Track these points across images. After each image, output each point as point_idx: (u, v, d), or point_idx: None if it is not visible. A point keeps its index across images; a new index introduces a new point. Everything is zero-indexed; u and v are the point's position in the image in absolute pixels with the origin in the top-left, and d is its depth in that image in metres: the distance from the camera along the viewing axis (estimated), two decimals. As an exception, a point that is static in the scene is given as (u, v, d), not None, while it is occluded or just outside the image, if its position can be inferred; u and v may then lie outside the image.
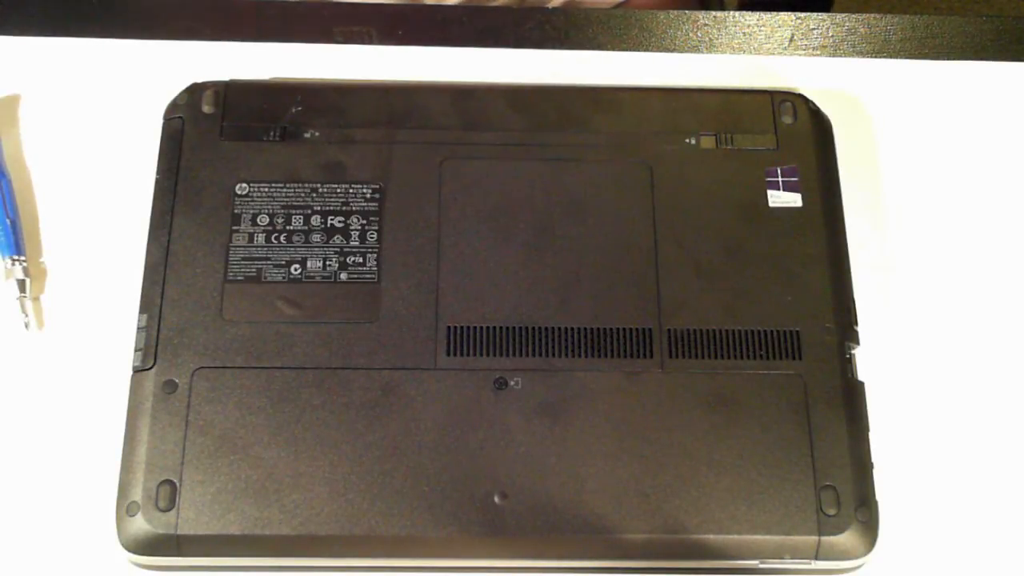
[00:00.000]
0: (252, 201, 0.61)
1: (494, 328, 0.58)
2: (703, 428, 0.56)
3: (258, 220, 0.60)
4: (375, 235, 0.60)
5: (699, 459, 0.56)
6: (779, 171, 0.62)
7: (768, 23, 0.71)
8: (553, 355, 0.58)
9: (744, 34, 0.70)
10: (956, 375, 0.61)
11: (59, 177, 0.64)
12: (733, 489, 0.55)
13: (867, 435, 0.57)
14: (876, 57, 0.69)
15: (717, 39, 0.70)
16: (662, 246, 0.60)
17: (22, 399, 0.59)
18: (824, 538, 0.54)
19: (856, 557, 0.55)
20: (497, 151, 0.62)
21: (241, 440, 0.55)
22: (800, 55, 0.69)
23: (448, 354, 0.57)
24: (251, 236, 0.60)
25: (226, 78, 0.64)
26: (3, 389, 0.59)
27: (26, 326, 0.60)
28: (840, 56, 0.69)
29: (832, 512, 0.55)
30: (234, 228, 0.60)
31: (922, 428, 0.60)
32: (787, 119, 0.64)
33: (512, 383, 0.57)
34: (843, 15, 0.71)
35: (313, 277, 0.59)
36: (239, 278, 0.59)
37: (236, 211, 0.60)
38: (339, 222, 0.60)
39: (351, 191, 0.61)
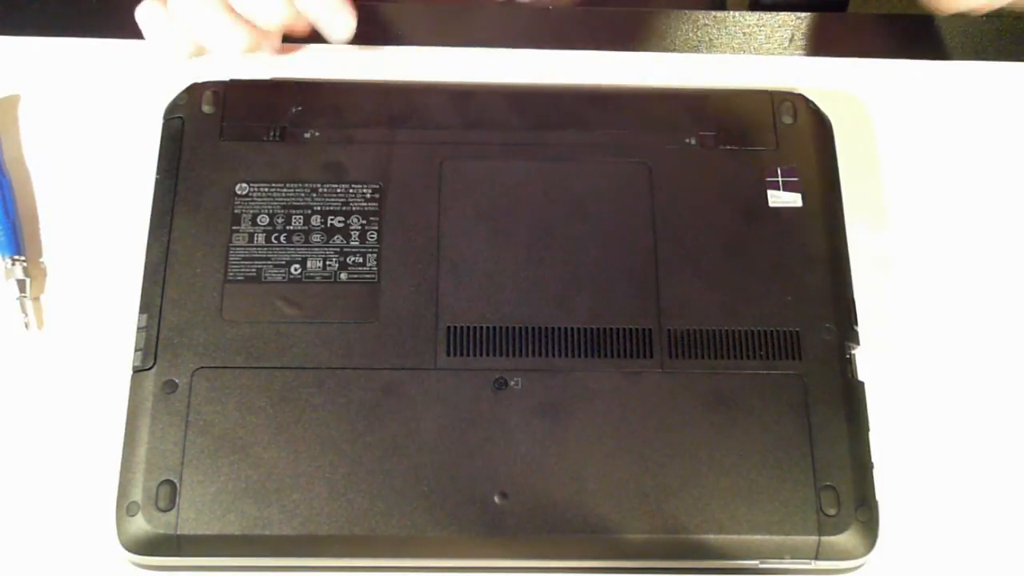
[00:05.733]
0: (252, 201, 0.61)
1: (494, 328, 0.58)
2: (703, 428, 0.56)
3: (258, 220, 0.60)
4: (375, 235, 0.60)
5: (699, 459, 0.56)
6: (779, 171, 0.62)
7: (768, 23, 0.71)
8: (553, 355, 0.57)
9: (744, 34, 0.70)
10: (956, 375, 0.61)
11: (59, 177, 0.64)
12: (733, 489, 0.55)
13: (867, 435, 0.57)
14: (876, 57, 0.69)
15: (717, 39, 0.70)
16: (662, 246, 0.60)
17: (22, 399, 0.59)
18: (824, 538, 0.54)
19: (856, 557, 0.55)
20: (497, 151, 0.62)
21: (241, 440, 0.55)
22: (800, 55, 0.69)
23: (448, 354, 0.57)
24: (251, 236, 0.60)
25: (226, 78, 0.64)
26: (3, 389, 0.59)
27: (26, 326, 0.60)
28: (840, 56, 0.69)
29: (832, 512, 0.55)
30: (234, 228, 0.60)
31: (922, 428, 0.60)
32: (787, 119, 0.64)
33: (512, 383, 0.57)
34: (843, 15, 0.71)
35: (313, 277, 0.59)
36: (239, 278, 0.59)
37: (236, 211, 0.60)
38: (339, 222, 0.60)
39: (351, 191, 0.61)
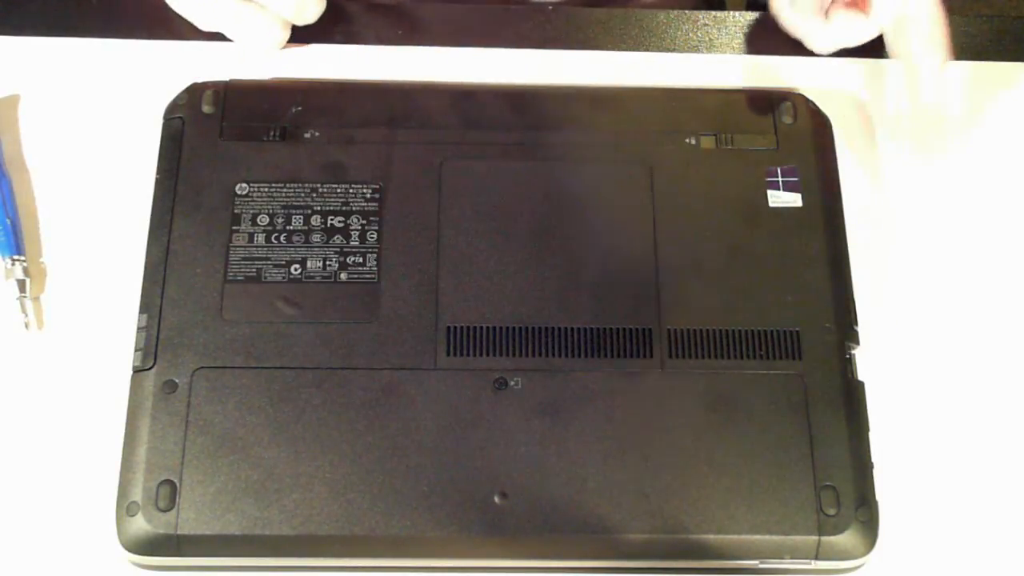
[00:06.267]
0: (252, 201, 0.61)
1: (494, 328, 0.58)
2: (703, 428, 0.56)
3: (258, 220, 0.60)
4: (375, 235, 0.60)
5: (699, 459, 0.56)
6: (779, 171, 0.62)
7: (768, 23, 0.71)
8: (553, 355, 0.57)
9: (744, 34, 0.70)
10: (956, 375, 0.61)
11: (59, 177, 0.64)
12: (733, 489, 0.55)
13: (867, 435, 0.57)
14: (876, 57, 0.69)
15: (717, 39, 0.70)
16: (662, 246, 0.60)
17: (22, 399, 0.59)
18: (824, 538, 0.54)
19: (856, 557, 0.55)
20: (497, 151, 0.62)
21: (241, 440, 0.55)
22: (800, 55, 0.69)
23: (448, 354, 0.57)
24: (251, 236, 0.60)
25: (226, 78, 0.64)
26: (3, 389, 0.59)
27: (26, 326, 0.60)
28: (840, 56, 0.69)
29: (832, 512, 0.55)
30: (234, 228, 0.60)
31: (922, 428, 0.60)
32: (787, 119, 0.64)
33: (512, 383, 0.57)
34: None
35: (313, 277, 0.59)
36: (239, 278, 0.59)
37: (236, 211, 0.60)
38: (339, 222, 0.60)
39: (351, 191, 0.61)
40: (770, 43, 0.69)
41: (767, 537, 0.54)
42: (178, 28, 0.67)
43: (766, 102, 0.64)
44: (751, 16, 0.71)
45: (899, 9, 0.63)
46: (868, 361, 0.60)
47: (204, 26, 0.66)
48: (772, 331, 0.58)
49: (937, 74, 0.63)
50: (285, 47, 0.67)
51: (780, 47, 0.69)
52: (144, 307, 0.58)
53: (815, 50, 0.68)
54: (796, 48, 0.69)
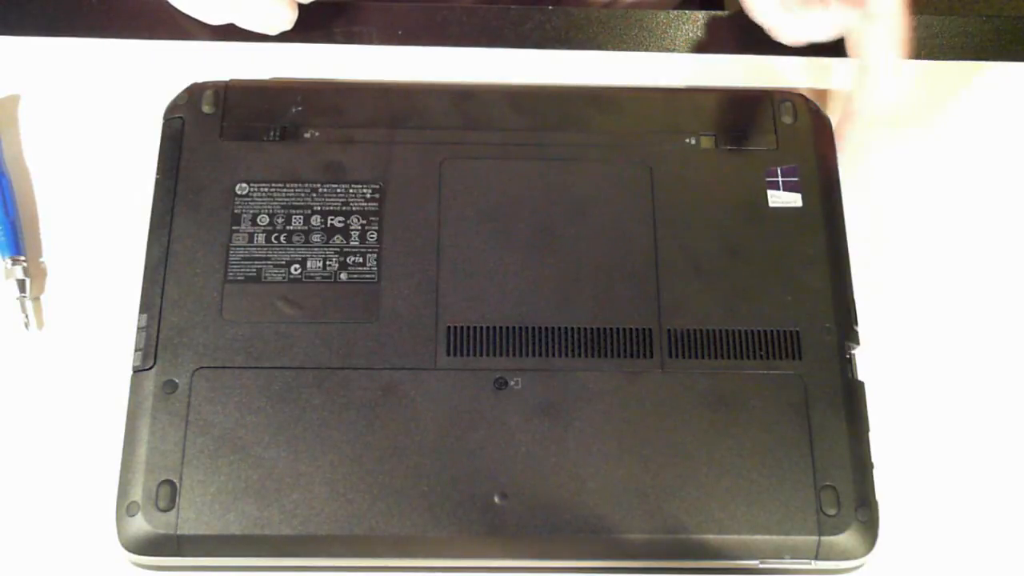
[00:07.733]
0: (252, 201, 0.61)
1: (494, 328, 0.58)
2: (703, 428, 0.56)
3: (258, 220, 0.60)
4: (375, 235, 0.60)
5: (699, 459, 0.56)
6: (779, 171, 0.62)
7: (768, 23, 0.70)
8: (553, 355, 0.58)
9: (744, 34, 0.70)
10: (956, 375, 0.61)
11: (59, 177, 0.64)
12: (733, 489, 0.55)
13: (867, 435, 0.57)
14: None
15: (717, 39, 0.70)
16: (662, 246, 0.60)
17: (22, 399, 0.59)
18: (824, 538, 0.54)
19: (856, 557, 0.55)
20: (497, 151, 0.62)
21: (241, 440, 0.55)
22: (800, 55, 0.69)
23: (448, 354, 0.57)
24: (251, 236, 0.60)
25: (226, 78, 0.64)
26: (3, 389, 0.59)
27: (26, 326, 0.60)
28: (840, 56, 0.69)
29: (832, 512, 0.55)
30: (234, 228, 0.60)
31: (922, 428, 0.60)
32: (787, 119, 0.64)
33: (512, 383, 0.57)
34: (843, 15, 0.71)
35: (313, 277, 0.59)
36: (239, 278, 0.59)
37: (236, 211, 0.60)
38: (339, 222, 0.60)
39: (351, 191, 0.61)
40: (770, 43, 0.69)
41: (767, 537, 0.54)
42: (178, 28, 0.67)
43: (766, 102, 0.64)
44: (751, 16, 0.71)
45: (863, 7, 0.63)
46: (868, 361, 0.60)
47: (212, 20, 0.66)
48: (772, 331, 0.58)
49: (895, 75, 0.62)
50: (284, 47, 0.67)
51: (779, 47, 0.69)
52: (144, 307, 0.58)
53: (783, 42, 0.67)
54: (796, 48, 0.69)
